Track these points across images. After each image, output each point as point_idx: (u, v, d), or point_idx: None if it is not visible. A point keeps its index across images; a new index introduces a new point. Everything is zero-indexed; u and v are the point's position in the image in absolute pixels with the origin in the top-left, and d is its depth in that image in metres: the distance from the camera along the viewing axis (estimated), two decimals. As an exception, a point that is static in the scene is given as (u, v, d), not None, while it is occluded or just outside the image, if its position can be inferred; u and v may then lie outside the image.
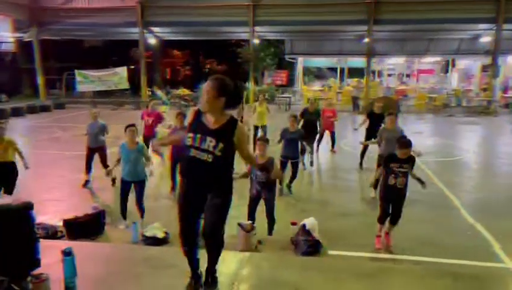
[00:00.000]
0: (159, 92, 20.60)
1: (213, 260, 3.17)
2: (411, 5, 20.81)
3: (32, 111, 20.39)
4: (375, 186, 6.56)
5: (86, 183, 7.62)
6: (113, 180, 7.36)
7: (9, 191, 5.81)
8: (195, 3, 22.33)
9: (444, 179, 8.23)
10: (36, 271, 3.20)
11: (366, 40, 22.65)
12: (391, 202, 4.89)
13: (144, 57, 24.21)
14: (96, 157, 7.63)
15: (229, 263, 3.69)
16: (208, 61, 40.42)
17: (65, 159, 9.94)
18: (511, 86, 25.21)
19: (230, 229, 4.04)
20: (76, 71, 22.92)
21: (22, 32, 24.88)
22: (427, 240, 5.23)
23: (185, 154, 3.08)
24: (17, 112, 19.18)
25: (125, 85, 23.14)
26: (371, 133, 8.29)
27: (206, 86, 2.95)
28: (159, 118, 8.78)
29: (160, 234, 4.66)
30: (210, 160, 2.94)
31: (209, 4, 22.26)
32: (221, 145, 2.94)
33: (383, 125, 7.42)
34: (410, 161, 4.78)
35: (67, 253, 3.21)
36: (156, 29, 24.79)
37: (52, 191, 7.26)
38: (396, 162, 4.74)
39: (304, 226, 4.62)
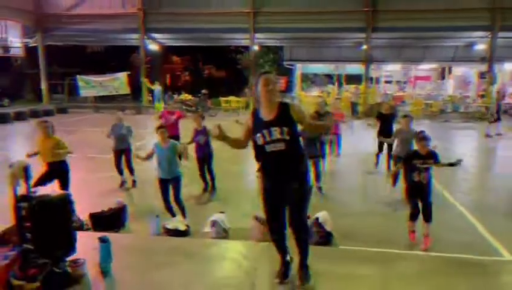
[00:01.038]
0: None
1: (304, 253, 3.37)
2: (408, 13, 21.22)
3: (35, 115, 20.49)
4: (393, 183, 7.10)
5: (123, 184, 7.79)
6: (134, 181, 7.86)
7: (65, 189, 5.83)
8: (197, 10, 22.68)
9: (442, 180, 8.49)
10: (73, 257, 3.50)
11: (364, 47, 23.08)
12: (419, 198, 5.01)
13: (144, 62, 24.52)
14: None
15: (249, 252, 4.00)
16: (206, 67, 40.77)
17: (75, 161, 10.13)
18: (508, 93, 25.63)
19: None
20: (78, 77, 23.26)
21: (28, 38, 25.17)
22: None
23: (262, 154, 3.26)
24: (20, 116, 19.39)
25: (125, 90, 23.45)
26: (383, 133, 8.62)
27: (264, 80, 3.23)
28: (181, 116, 8.95)
29: (182, 227, 4.90)
30: (284, 147, 3.17)
31: (210, 11, 22.61)
32: (285, 129, 3.17)
33: (395, 125, 7.73)
34: (433, 156, 4.93)
35: (104, 240, 3.50)
36: (157, 35, 25.09)
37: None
38: (419, 158, 4.89)
39: (317, 219, 4.91)
